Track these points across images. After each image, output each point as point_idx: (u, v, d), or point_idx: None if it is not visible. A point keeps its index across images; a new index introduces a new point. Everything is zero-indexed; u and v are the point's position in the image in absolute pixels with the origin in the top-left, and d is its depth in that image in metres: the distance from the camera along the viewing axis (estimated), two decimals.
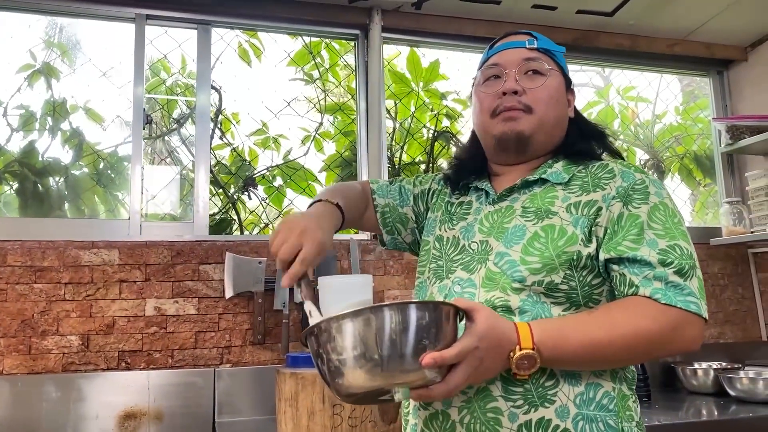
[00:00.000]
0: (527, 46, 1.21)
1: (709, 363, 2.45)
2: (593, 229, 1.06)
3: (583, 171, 1.15)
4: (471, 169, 1.27)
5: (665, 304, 0.98)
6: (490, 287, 1.07)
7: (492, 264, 1.09)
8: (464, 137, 2.81)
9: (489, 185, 1.22)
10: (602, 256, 1.05)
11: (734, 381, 2.10)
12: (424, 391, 0.89)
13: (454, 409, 1.05)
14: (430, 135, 2.84)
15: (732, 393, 2.11)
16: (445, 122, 2.86)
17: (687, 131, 3.21)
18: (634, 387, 1.11)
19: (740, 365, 2.40)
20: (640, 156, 3.23)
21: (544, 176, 1.16)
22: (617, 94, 3.17)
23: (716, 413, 2.00)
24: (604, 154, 1.22)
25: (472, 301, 0.95)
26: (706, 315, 1.00)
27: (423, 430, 1.10)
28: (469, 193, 1.27)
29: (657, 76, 3.17)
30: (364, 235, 2.47)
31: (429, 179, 1.39)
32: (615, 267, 1.04)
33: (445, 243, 1.21)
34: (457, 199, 1.29)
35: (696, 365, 2.42)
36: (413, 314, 0.85)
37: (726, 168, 2.99)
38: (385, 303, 0.85)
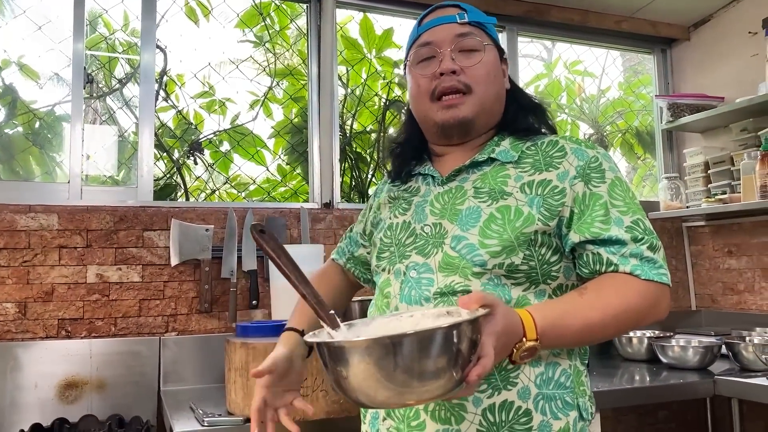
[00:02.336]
0: (458, 21, 1.18)
1: (643, 331, 2.56)
2: (557, 208, 1.07)
3: (533, 148, 1.15)
4: (412, 152, 1.25)
5: (645, 279, 1.02)
6: (448, 272, 1.07)
7: (449, 248, 1.08)
8: None
9: (432, 169, 1.21)
10: (575, 237, 1.06)
11: (666, 349, 2.21)
12: (447, 395, 0.84)
13: None
14: (382, 104, 2.82)
15: (664, 360, 2.22)
16: (397, 91, 2.84)
17: (630, 107, 3.30)
18: (587, 362, 1.14)
19: (671, 333, 2.52)
20: (585, 130, 3.30)
21: (492, 156, 1.15)
22: (564, 68, 3.22)
23: (649, 379, 2.10)
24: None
25: (493, 297, 0.90)
26: (671, 283, 1.05)
27: (385, 418, 1.10)
28: (413, 179, 1.25)
29: (604, 52, 3.23)
30: (314, 204, 2.45)
31: (367, 209, 1.39)
32: (589, 246, 1.06)
33: (395, 229, 1.19)
34: (398, 188, 1.27)
35: (631, 333, 2.53)
36: (449, 338, 0.78)
37: (665, 144, 3.10)
38: (427, 329, 0.77)
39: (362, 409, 1.20)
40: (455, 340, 0.78)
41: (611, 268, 1.04)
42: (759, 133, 2.49)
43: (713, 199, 2.59)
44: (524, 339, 0.93)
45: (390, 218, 1.23)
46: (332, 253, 1.45)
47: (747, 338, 2.22)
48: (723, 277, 2.82)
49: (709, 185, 2.73)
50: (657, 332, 2.54)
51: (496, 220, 1.07)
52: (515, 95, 1.24)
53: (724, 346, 2.17)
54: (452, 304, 1.04)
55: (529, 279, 1.06)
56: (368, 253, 1.35)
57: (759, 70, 2.52)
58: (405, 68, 1.25)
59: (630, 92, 3.34)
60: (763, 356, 1.94)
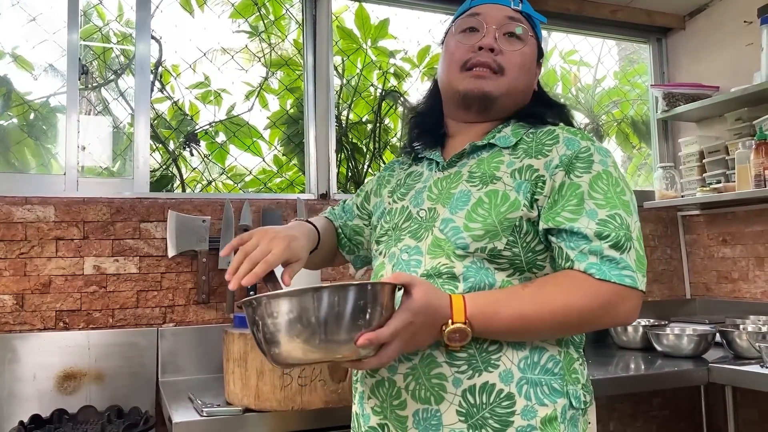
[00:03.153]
0: (512, 6, 1.18)
1: (638, 320, 2.58)
2: (536, 197, 1.06)
3: (531, 135, 1.14)
4: (429, 124, 1.26)
5: (599, 279, 0.98)
6: (435, 254, 1.08)
7: (438, 231, 1.09)
8: (412, 98, 2.80)
9: (438, 154, 1.21)
10: (541, 225, 1.05)
11: (661, 337, 2.23)
12: (358, 362, 0.92)
13: (400, 375, 1.06)
14: (378, 94, 2.81)
15: (659, 348, 2.24)
16: (393, 82, 2.84)
17: (625, 96, 3.30)
18: (582, 349, 1.13)
19: (666, 322, 2.54)
20: (580, 120, 3.30)
21: (492, 141, 1.15)
22: (560, 58, 3.22)
23: (644, 367, 2.12)
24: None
25: (411, 276, 0.96)
26: (643, 287, 1.00)
27: (370, 397, 1.11)
28: (421, 163, 1.26)
29: (599, 41, 3.23)
30: (311, 194, 2.45)
31: (371, 181, 1.39)
32: (553, 239, 1.04)
33: (394, 214, 1.20)
34: (405, 171, 1.28)
35: None
36: (348, 296, 0.87)
37: (661, 133, 3.10)
38: (325, 285, 0.88)
39: (353, 390, 1.22)
40: (347, 300, 0.87)
41: (568, 264, 1.01)
42: (754, 122, 2.50)
43: (708, 189, 2.60)
44: (450, 321, 0.96)
45: (390, 203, 1.24)
46: (324, 213, 1.42)
47: (741, 326, 2.24)
48: (717, 265, 2.84)
49: (704, 174, 2.74)
50: (652, 321, 2.56)
51: (482, 204, 1.07)
52: (540, 97, 1.24)
53: (718, 334, 2.19)
54: (438, 286, 1.05)
55: (513, 265, 1.06)
56: (364, 224, 1.35)
57: (754, 59, 2.52)
58: (445, 35, 1.25)
59: (625, 81, 3.34)
60: (757, 344, 1.96)
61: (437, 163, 1.21)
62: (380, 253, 1.19)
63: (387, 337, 0.89)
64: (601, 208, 1.02)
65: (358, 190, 1.42)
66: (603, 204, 1.02)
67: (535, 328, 1.01)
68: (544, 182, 1.06)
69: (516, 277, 1.06)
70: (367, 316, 0.88)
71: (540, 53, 1.24)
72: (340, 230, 1.37)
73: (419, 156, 1.26)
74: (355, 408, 1.19)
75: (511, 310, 0.99)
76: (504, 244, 1.04)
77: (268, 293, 0.89)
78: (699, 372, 2.03)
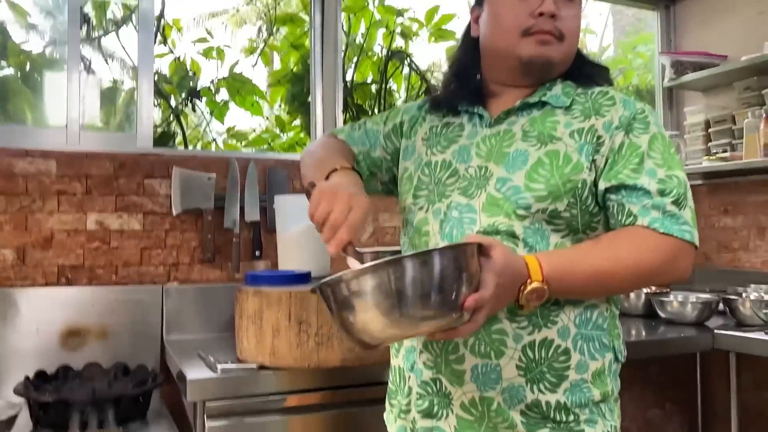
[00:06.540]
0: None
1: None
2: (594, 158, 1.06)
3: (583, 96, 1.13)
4: (467, 88, 1.21)
5: (663, 233, 1.00)
6: (492, 212, 1.06)
7: (493, 189, 1.07)
8: (419, 59, 2.75)
9: (482, 108, 1.18)
10: (602, 185, 1.05)
11: (665, 304, 2.24)
12: (452, 332, 0.88)
13: None
14: (383, 54, 2.76)
15: (662, 315, 2.25)
16: (399, 41, 2.78)
17: (630, 65, 3.28)
18: (619, 306, 1.16)
19: (668, 290, 2.55)
20: None
21: (544, 99, 1.13)
22: None
23: (648, 333, 2.13)
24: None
25: (487, 237, 0.95)
26: (697, 242, 1.03)
27: (422, 351, 1.10)
28: (460, 115, 1.22)
29: (606, 8, 3.19)
30: None
31: (398, 112, 1.32)
32: (613, 197, 1.05)
33: (434, 167, 1.17)
34: (441, 120, 1.24)
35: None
36: (444, 261, 0.83)
37: (666, 102, 3.09)
38: (412, 253, 0.81)
39: (394, 344, 1.19)
40: (447, 263, 0.82)
41: (630, 219, 1.02)
42: (763, 92, 2.48)
43: (714, 157, 2.60)
44: (529, 280, 0.95)
45: (427, 155, 1.20)
46: (337, 132, 1.34)
47: (743, 294, 2.26)
48: (718, 235, 2.86)
49: (709, 144, 2.73)
50: (654, 288, 2.58)
51: (543, 165, 1.06)
52: (583, 57, 1.22)
53: (721, 302, 2.21)
54: None
55: (569, 227, 1.06)
56: (385, 157, 1.29)
57: (765, 28, 2.50)
58: None
59: (629, 50, 3.32)
60: (763, 311, 1.98)
61: (480, 117, 1.18)
62: (420, 208, 1.16)
63: (489, 298, 0.88)
64: (659, 167, 1.04)
65: (379, 117, 1.34)
66: (661, 164, 1.04)
67: (611, 284, 1.02)
68: (602, 143, 1.07)
69: (569, 238, 1.07)
70: (466, 279, 0.85)
71: None
72: (360, 157, 1.29)
73: (458, 108, 1.22)
74: (398, 362, 1.17)
75: (588, 267, 0.99)
76: (565, 206, 1.04)
77: (358, 269, 0.82)
78: (704, 338, 2.04)
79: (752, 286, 2.45)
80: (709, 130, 2.74)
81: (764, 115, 2.33)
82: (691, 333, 2.07)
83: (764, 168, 2.44)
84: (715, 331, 2.05)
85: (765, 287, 2.41)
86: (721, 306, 2.21)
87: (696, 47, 2.93)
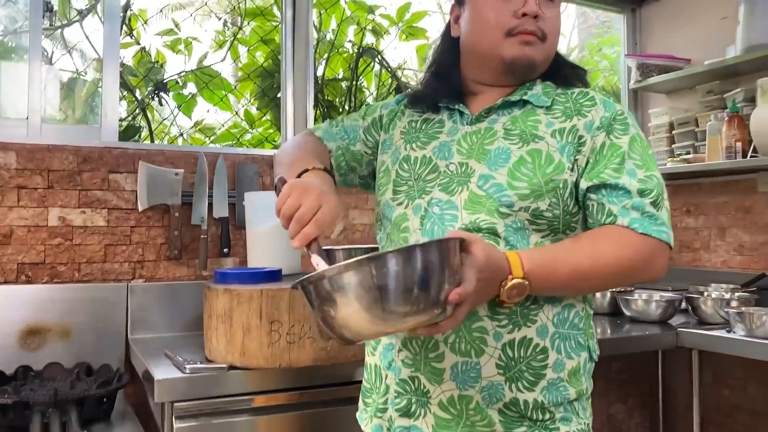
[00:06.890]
0: None
1: None
2: (576, 158, 1.07)
3: (563, 96, 1.14)
4: (447, 87, 1.21)
5: (642, 233, 1.02)
6: (474, 210, 1.06)
7: (476, 186, 1.07)
8: (390, 56, 2.74)
9: (463, 105, 1.18)
10: (584, 184, 1.07)
11: (630, 302, 2.28)
12: (433, 327, 0.88)
13: None
14: (354, 51, 2.74)
15: (627, 313, 2.29)
16: (370, 38, 2.77)
17: (596, 66, 3.33)
18: (593, 306, 1.18)
19: (632, 288, 2.60)
20: None
21: (525, 97, 1.14)
22: None
23: (613, 331, 2.17)
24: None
25: (469, 233, 0.95)
26: (672, 243, 1.05)
27: (401, 349, 1.09)
28: (440, 111, 1.22)
29: (573, 10, 3.23)
30: None
31: (376, 107, 1.32)
32: (593, 196, 1.06)
33: (414, 163, 1.16)
34: (420, 116, 1.23)
35: None
36: (428, 256, 0.83)
37: (630, 104, 3.14)
38: (395, 249, 0.81)
39: (372, 342, 1.18)
40: (430, 258, 0.83)
41: (610, 219, 1.04)
42: (725, 95, 2.55)
43: (678, 159, 2.65)
44: (510, 276, 0.96)
45: (405, 149, 1.19)
46: (314, 130, 1.32)
47: (705, 293, 2.31)
48: (680, 235, 2.92)
49: (673, 145, 2.79)
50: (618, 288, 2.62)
51: (526, 163, 1.07)
52: (559, 56, 1.23)
53: (684, 301, 2.26)
54: None
55: (550, 227, 1.07)
56: (365, 152, 1.28)
57: (728, 33, 2.56)
58: None
59: (595, 52, 3.36)
60: (725, 310, 2.03)
61: (461, 114, 1.18)
62: (400, 204, 1.15)
63: (471, 293, 0.88)
64: (639, 168, 1.06)
65: (356, 114, 1.33)
66: (641, 165, 1.06)
67: (591, 281, 1.04)
68: (584, 143, 1.08)
69: (549, 238, 1.08)
70: (448, 275, 0.85)
71: None
72: (339, 152, 1.28)
73: (439, 104, 1.22)
74: (374, 360, 1.16)
75: (569, 264, 1.01)
76: (546, 205, 1.05)
77: (341, 265, 0.81)
78: (668, 336, 2.09)
79: (713, 285, 2.51)
80: (673, 132, 2.79)
81: (726, 118, 2.39)
82: (655, 331, 2.12)
83: (725, 170, 2.50)
84: (678, 329, 2.09)
85: (725, 286, 2.47)
86: (683, 304, 2.26)
87: (661, 50, 2.99)
